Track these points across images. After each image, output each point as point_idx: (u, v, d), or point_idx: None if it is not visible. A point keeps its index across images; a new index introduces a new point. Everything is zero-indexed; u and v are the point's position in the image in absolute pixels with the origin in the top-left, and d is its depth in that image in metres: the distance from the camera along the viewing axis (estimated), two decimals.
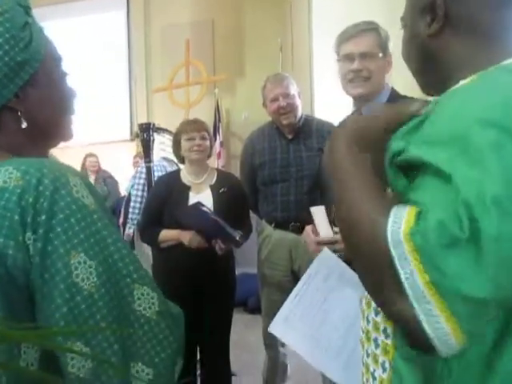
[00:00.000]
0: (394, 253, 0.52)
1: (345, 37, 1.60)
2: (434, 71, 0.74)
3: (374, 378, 0.70)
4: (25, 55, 0.69)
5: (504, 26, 0.68)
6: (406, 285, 0.51)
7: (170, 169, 3.54)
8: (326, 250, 1.33)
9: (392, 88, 1.66)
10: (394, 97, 1.62)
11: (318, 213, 1.54)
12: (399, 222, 0.52)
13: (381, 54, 1.57)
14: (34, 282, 0.63)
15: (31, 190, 0.63)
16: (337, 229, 1.47)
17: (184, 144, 2.24)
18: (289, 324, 1.25)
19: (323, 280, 1.26)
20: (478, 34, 0.68)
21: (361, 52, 1.56)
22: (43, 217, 0.63)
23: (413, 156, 0.58)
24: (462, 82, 0.63)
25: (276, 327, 1.28)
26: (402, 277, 0.51)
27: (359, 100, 1.64)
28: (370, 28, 1.59)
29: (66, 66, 0.78)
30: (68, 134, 0.82)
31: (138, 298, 0.69)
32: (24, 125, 0.72)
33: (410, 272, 0.51)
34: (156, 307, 0.71)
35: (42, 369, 0.65)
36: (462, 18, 0.68)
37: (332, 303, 1.21)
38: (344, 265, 1.27)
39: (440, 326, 0.50)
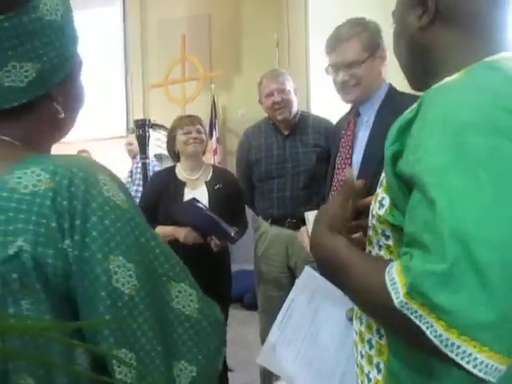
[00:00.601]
0: (407, 312, 0.52)
1: (329, 46, 1.61)
2: (422, 65, 0.74)
3: (369, 380, 0.69)
4: (73, 49, 0.72)
5: (491, 21, 0.68)
6: (430, 336, 0.51)
7: (159, 168, 3.54)
8: (307, 269, 1.32)
9: (390, 85, 1.66)
10: (392, 93, 1.62)
11: (311, 218, 1.57)
12: (396, 287, 0.53)
13: (367, 56, 1.55)
14: (74, 290, 0.61)
15: (64, 192, 0.60)
16: None
17: (180, 138, 2.24)
18: (278, 352, 1.20)
19: (308, 302, 1.23)
20: (467, 28, 0.68)
21: (345, 62, 1.56)
22: (78, 221, 0.60)
23: (404, 174, 0.59)
24: (446, 79, 0.62)
25: (265, 357, 1.23)
26: (424, 328, 0.51)
27: (354, 104, 1.65)
28: (353, 33, 1.56)
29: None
30: (66, 135, 0.81)
31: (176, 296, 0.68)
32: (62, 115, 0.72)
33: (429, 323, 0.51)
34: (195, 304, 0.69)
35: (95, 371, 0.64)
36: (452, 12, 0.69)
37: (319, 324, 1.18)
38: (326, 281, 1.26)
39: (478, 360, 0.49)
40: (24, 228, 0.59)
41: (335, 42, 1.58)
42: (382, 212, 0.67)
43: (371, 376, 0.69)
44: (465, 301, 0.49)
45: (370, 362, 0.70)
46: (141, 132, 3.34)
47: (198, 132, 2.24)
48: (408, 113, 0.64)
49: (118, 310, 0.61)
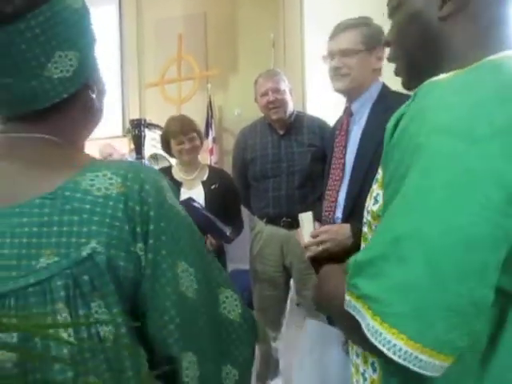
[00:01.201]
0: (349, 310, 0.57)
1: (330, 35, 1.65)
2: (431, 57, 0.72)
3: (365, 379, 0.69)
4: (95, 35, 0.74)
5: (505, 17, 0.67)
6: (363, 325, 0.54)
7: (155, 168, 3.53)
8: (309, 322, 1.34)
9: (383, 84, 1.67)
10: (385, 92, 1.62)
11: (305, 220, 1.62)
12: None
13: (363, 49, 1.58)
14: (145, 293, 0.61)
15: (135, 197, 0.61)
16: (323, 228, 1.56)
17: (173, 146, 2.25)
18: None
19: (318, 355, 1.24)
20: (485, 23, 0.68)
21: (340, 49, 1.59)
22: (151, 226, 0.61)
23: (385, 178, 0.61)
24: (440, 77, 0.61)
25: None
26: (356, 316, 0.55)
27: (344, 95, 1.67)
28: (356, 24, 1.60)
29: None
30: (95, 129, 0.82)
31: (223, 302, 0.70)
32: (97, 105, 0.73)
33: (361, 313, 0.55)
34: (239, 309, 0.71)
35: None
36: (474, 5, 0.67)
37: (327, 367, 1.20)
38: (328, 327, 1.27)
39: (397, 347, 0.51)
40: (98, 230, 0.58)
41: (336, 31, 1.63)
42: (375, 208, 0.68)
43: (367, 375, 0.68)
44: (384, 288, 0.51)
45: (366, 361, 0.68)
46: (136, 132, 3.34)
47: (191, 140, 2.22)
48: (402, 108, 0.63)
49: (185, 314, 0.63)
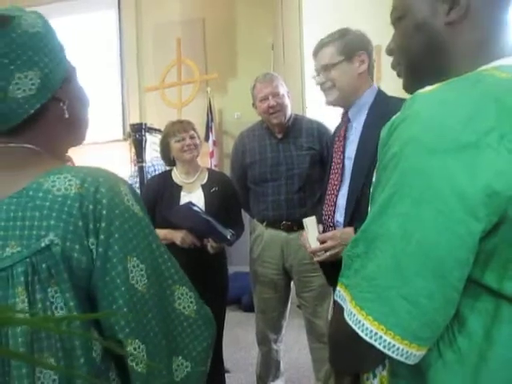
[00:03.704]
0: (338, 299, 0.65)
1: (312, 54, 1.74)
2: (436, 63, 0.73)
3: (375, 376, 0.71)
4: (61, 55, 0.79)
5: (505, 23, 0.69)
6: (345, 314, 0.63)
7: (164, 168, 3.55)
8: None
9: (378, 89, 1.69)
10: (381, 98, 1.65)
11: (309, 224, 1.65)
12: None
13: (343, 59, 1.64)
14: (95, 283, 0.69)
15: (90, 197, 0.69)
16: (328, 233, 1.61)
17: (174, 146, 2.25)
18: None
19: None
20: (490, 30, 0.69)
21: (321, 65, 1.67)
22: (103, 224, 0.69)
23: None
24: (426, 89, 0.64)
25: None
26: (341, 303, 0.64)
27: (338, 106, 1.71)
28: (332, 39, 1.67)
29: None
30: (85, 134, 0.88)
31: (179, 298, 0.77)
32: (67, 115, 0.79)
33: (345, 301, 0.64)
34: (194, 306, 0.78)
35: (104, 360, 0.71)
36: (481, 11, 0.69)
37: None
38: None
39: (365, 326, 0.59)
40: (56, 224, 0.67)
41: (316, 49, 1.72)
42: None
43: (376, 372, 0.71)
44: (360, 278, 0.61)
45: None
46: (137, 136, 3.36)
47: (192, 138, 2.25)
48: (394, 117, 0.66)
49: (134, 305, 0.70)
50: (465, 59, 0.70)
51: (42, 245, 0.66)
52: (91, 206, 0.68)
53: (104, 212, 0.69)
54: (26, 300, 0.64)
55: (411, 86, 0.79)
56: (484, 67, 0.67)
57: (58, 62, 0.77)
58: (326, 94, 1.70)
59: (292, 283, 2.37)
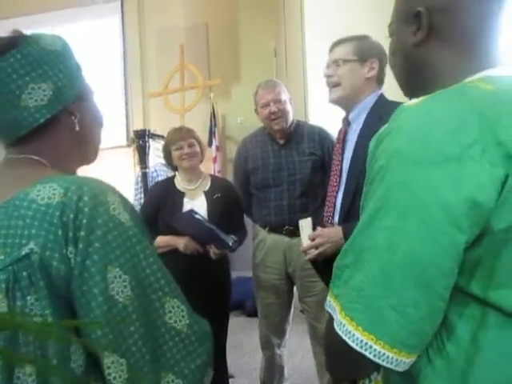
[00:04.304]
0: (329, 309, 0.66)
1: (328, 50, 1.74)
2: (418, 81, 0.76)
3: (370, 381, 0.73)
4: (78, 74, 0.83)
5: (482, 34, 0.70)
6: (335, 323, 0.64)
7: (169, 174, 3.57)
8: None
9: (381, 94, 1.70)
10: (381, 102, 1.66)
11: (305, 225, 1.73)
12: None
13: (355, 59, 1.64)
14: (73, 292, 0.68)
15: (72, 206, 0.69)
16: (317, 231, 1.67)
17: (174, 154, 2.27)
18: None
19: None
20: (460, 44, 0.71)
21: (333, 59, 1.68)
22: (82, 232, 0.68)
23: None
24: (411, 102, 0.65)
25: None
26: (331, 311, 0.65)
27: (340, 106, 1.72)
28: (350, 38, 1.68)
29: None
30: (96, 153, 0.91)
31: (169, 311, 0.74)
32: (77, 128, 0.81)
33: (335, 311, 0.64)
34: (186, 320, 0.75)
35: (88, 373, 0.70)
36: (444, 28, 0.71)
37: None
38: None
39: (351, 333, 0.61)
40: (37, 233, 0.68)
41: (332, 45, 1.72)
42: None
43: (372, 377, 0.73)
44: (350, 288, 0.62)
45: None
46: (141, 142, 3.37)
47: (190, 146, 2.26)
48: (381, 129, 0.67)
49: (112, 317, 0.68)
50: (446, 74, 0.71)
51: (23, 253, 0.67)
52: (72, 215, 0.68)
53: (84, 221, 0.68)
54: (6, 307, 0.65)
55: (408, 95, 0.82)
56: (470, 79, 0.68)
57: (73, 79, 0.80)
58: (329, 91, 1.71)
59: (295, 288, 2.38)
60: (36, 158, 0.78)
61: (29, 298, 0.66)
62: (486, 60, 0.70)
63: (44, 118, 0.76)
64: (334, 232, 1.61)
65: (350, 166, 1.64)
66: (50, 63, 0.77)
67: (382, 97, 1.69)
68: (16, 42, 0.75)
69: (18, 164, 0.78)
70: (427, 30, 0.72)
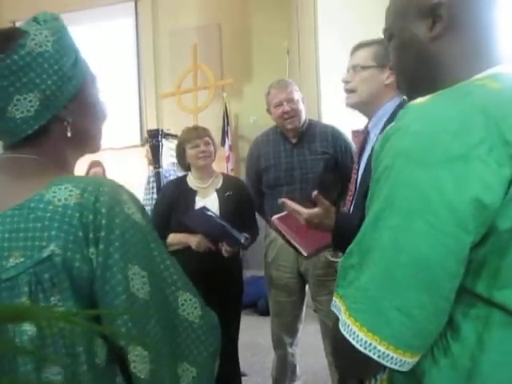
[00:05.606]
0: (334, 310, 0.66)
1: (350, 53, 1.70)
2: (429, 77, 0.75)
3: (376, 380, 0.73)
4: (73, 71, 0.78)
5: (491, 29, 0.70)
6: (340, 325, 0.63)
7: (179, 174, 3.60)
8: None
9: (401, 101, 1.65)
10: (399, 109, 1.62)
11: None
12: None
13: (374, 65, 1.60)
14: (96, 292, 0.70)
15: (90, 207, 0.70)
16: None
17: (189, 152, 2.29)
18: None
19: None
20: (474, 38, 0.70)
21: (352, 65, 1.64)
22: (103, 233, 0.69)
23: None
24: (417, 100, 0.65)
25: None
26: (337, 313, 0.64)
27: (358, 110, 1.70)
28: (370, 43, 1.64)
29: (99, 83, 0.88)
30: (98, 146, 0.90)
31: (182, 304, 0.77)
32: (69, 134, 0.80)
33: (340, 310, 0.64)
34: (198, 311, 0.78)
35: (109, 368, 0.72)
36: (462, 20, 0.70)
37: None
38: None
39: (356, 333, 0.60)
40: (56, 235, 0.68)
41: (353, 49, 1.69)
42: None
43: (377, 376, 0.73)
44: (354, 289, 0.62)
45: None
46: (154, 142, 3.40)
47: (206, 144, 2.28)
48: (387, 129, 0.67)
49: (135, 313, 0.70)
50: (457, 70, 0.70)
51: (44, 255, 0.67)
52: (91, 216, 0.69)
53: (104, 221, 0.69)
54: None
55: (411, 95, 0.81)
56: (478, 76, 0.68)
57: (66, 80, 0.77)
58: (347, 96, 1.68)
59: (307, 287, 2.38)
60: (33, 156, 0.77)
61: (52, 299, 0.67)
62: (495, 55, 0.70)
63: (32, 129, 0.75)
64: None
65: (361, 176, 1.61)
66: (37, 69, 0.73)
67: (401, 104, 1.65)
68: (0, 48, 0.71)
69: (15, 163, 0.77)
70: (447, 22, 0.70)
